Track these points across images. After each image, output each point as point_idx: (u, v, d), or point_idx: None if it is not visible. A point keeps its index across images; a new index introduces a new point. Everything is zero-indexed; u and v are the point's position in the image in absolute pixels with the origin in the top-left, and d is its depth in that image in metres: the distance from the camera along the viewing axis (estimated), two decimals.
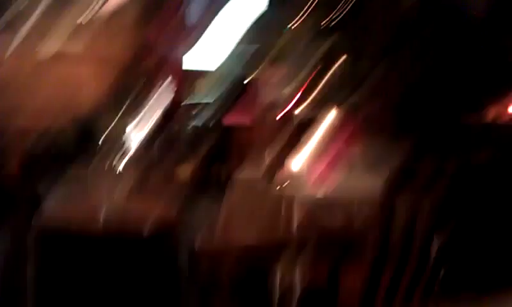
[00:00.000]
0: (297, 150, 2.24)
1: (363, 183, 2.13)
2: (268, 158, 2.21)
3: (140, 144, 3.34)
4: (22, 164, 2.90)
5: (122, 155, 2.49)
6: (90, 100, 3.01)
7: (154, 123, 3.22)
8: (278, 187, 2.09)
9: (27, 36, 3.40)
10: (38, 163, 3.54)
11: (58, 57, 3.01)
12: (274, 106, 4.40)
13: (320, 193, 2.01)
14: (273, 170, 2.14)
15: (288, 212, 2.10)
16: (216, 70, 3.53)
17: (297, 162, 2.02)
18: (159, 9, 2.98)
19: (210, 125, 4.33)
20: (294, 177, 2.04)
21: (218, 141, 4.12)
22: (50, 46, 3.19)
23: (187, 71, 3.18)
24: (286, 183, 2.07)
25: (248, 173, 2.35)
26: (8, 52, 3.14)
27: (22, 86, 2.84)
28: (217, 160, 4.32)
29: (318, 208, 2.04)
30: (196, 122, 4.91)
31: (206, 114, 4.75)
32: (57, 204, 2.85)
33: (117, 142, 2.89)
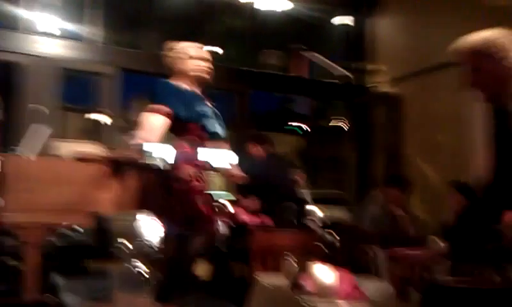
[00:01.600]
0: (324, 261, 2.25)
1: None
2: (294, 265, 2.22)
3: (159, 243, 3.37)
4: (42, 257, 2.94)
5: (140, 252, 2.50)
6: (109, 199, 3.10)
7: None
8: (303, 297, 2.07)
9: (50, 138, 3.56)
10: (57, 257, 3.57)
11: (79, 158, 3.13)
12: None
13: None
14: (298, 278, 2.14)
15: None
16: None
17: (323, 272, 2.03)
18: None
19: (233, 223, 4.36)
20: (320, 287, 2.04)
21: (241, 241, 4.14)
22: (72, 148, 3.33)
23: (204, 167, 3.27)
24: (311, 294, 2.06)
25: (272, 279, 2.35)
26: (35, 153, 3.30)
27: (46, 184, 2.95)
28: (239, 260, 4.32)
29: None
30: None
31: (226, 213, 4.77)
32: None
33: (135, 239, 2.93)
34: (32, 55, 4.99)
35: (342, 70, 6.98)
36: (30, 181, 2.80)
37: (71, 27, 5.68)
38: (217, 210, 3.16)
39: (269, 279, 2.32)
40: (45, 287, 2.94)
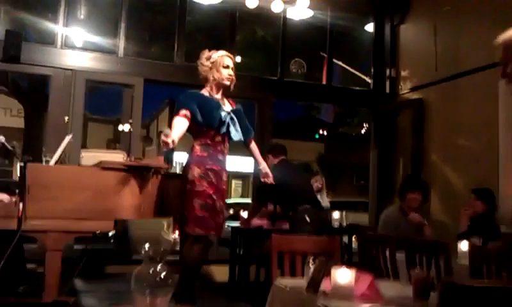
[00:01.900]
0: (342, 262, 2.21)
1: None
2: (312, 267, 2.20)
3: (178, 245, 3.39)
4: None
5: (160, 255, 2.50)
6: (130, 205, 3.14)
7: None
8: (321, 299, 2.05)
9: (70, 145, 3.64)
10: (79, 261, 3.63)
11: (102, 166, 3.19)
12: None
13: None
14: (317, 280, 2.12)
15: None
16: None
17: (342, 274, 2.01)
18: None
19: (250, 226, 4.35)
20: (338, 289, 2.01)
21: (259, 243, 4.14)
22: (96, 157, 3.39)
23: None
24: (329, 295, 2.04)
25: (290, 282, 2.34)
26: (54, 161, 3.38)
27: (69, 191, 3.01)
28: (257, 264, 4.32)
29: None
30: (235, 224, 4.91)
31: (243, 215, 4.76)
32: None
33: (155, 243, 2.95)
34: (61, 68, 5.13)
35: (365, 77, 6.97)
36: (54, 188, 2.86)
37: (98, 40, 5.84)
38: (230, 212, 3.19)
39: (287, 282, 2.30)
40: (66, 290, 2.99)
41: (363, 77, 7.42)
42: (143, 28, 8.15)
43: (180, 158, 4.66)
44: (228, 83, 3.33)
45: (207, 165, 3.16)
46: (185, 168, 3.21)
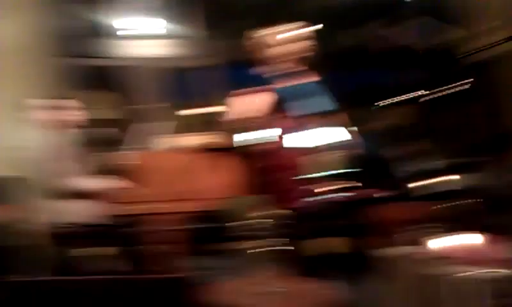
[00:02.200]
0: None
1: None
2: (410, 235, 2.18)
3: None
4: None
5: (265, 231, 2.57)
6: (230, 184, 3.25)
7: None
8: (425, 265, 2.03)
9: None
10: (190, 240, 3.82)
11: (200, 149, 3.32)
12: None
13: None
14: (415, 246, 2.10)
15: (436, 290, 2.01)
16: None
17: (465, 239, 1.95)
18: None
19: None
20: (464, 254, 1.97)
21: (357, 215, 4.11)
22: (192, 140, 3.53)
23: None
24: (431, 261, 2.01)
25: (392, 251, 2.33)
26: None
27: (173, 175, 3.18)
28: (356, 235, 4.28)
29: None
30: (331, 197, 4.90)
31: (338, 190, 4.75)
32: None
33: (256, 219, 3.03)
34: (139, 57, 5.36)
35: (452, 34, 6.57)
36: (161, 173, 3.03)
37: (171, 27, 6.00)
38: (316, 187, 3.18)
39: (392, 252, 2.29)
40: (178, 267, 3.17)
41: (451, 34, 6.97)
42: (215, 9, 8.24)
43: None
44: (276, 62, 3.24)
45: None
46: (271, 143, 3.22)
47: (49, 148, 3.56)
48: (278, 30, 3.26)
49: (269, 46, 3.24)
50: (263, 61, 3.28)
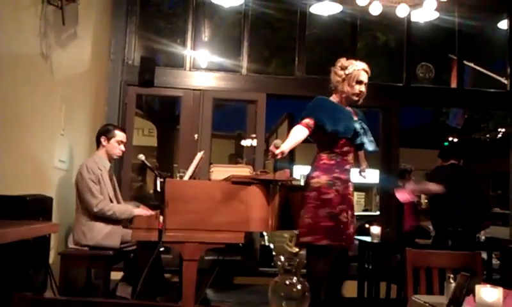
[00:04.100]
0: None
1: None
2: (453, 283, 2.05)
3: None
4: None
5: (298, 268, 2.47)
6: (259, 217, 3.18)
7: None
8: None
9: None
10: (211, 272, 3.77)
11: (233, 181, 3.28)
12: None
13: None
14: (459, 298, 1.96)
15: None
16: None
17: (487, 292, 1.82)
18: None
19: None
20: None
21: (389, 259, 3.97)
22: (226, 172, 3.51)
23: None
24: None
25: (428, 298, 2.20)
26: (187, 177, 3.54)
27: (203, 205, 3.14)
28: (387, 278, 4.12)
29: None
30: None
31: None
32: None
33: (287, 255, 2.94)
34: (190, 89, 5.46)
35: (501, 78, 6.38)
36: (190, 202, 3.00)
37: (222, 60, 6.13)
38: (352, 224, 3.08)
39: (426, 298, 2.15)
40: (199, 300, 3.11)
41: (498, 77, 6.80)
42: (263, 45, 8.37)
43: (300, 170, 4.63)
44: (356, 99, 3.22)
45: (334, 173, 3.10)
46: (310, 177, 3.17)
47: (96, 172, 3.63)
48: (357, 67, 3.21)
49: (348, 80, 3.20)
50: (335, 90, 3.27)
